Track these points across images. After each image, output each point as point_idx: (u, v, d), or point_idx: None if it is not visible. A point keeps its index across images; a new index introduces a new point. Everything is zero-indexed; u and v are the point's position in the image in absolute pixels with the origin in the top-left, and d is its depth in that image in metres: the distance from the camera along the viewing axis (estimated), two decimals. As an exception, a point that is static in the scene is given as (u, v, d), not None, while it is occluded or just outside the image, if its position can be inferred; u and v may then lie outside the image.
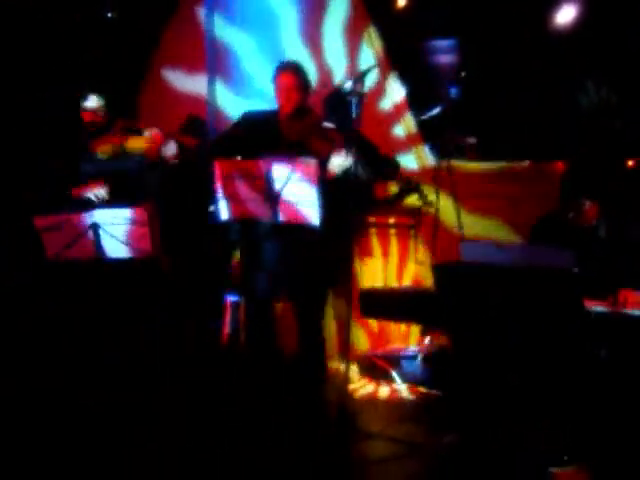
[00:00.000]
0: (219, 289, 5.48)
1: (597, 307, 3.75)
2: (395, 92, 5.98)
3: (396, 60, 6.05)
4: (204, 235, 5.50)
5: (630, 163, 5.80)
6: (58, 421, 4.21)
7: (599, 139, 5.75)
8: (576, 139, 5.76)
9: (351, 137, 4.44)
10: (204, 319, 5.45)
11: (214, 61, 6.16)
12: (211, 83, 6.16)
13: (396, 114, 5.99)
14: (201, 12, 6.19)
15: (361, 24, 6.03)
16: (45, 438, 4.03)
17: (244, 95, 5.94)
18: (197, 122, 5.71)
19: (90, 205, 4.51)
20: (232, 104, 6.08)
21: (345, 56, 6.05)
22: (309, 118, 4.61)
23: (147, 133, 4.68)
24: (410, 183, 5.35)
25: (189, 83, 6.20)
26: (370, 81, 5.53)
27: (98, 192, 4.61)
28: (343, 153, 4.34)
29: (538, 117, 5.88)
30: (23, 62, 5.42)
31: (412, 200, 5.49)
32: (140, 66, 5.92)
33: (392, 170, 5.38)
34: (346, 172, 4.31)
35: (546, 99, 5.91)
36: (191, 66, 6.19)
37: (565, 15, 5.80)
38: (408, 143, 5.97)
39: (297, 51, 6.03)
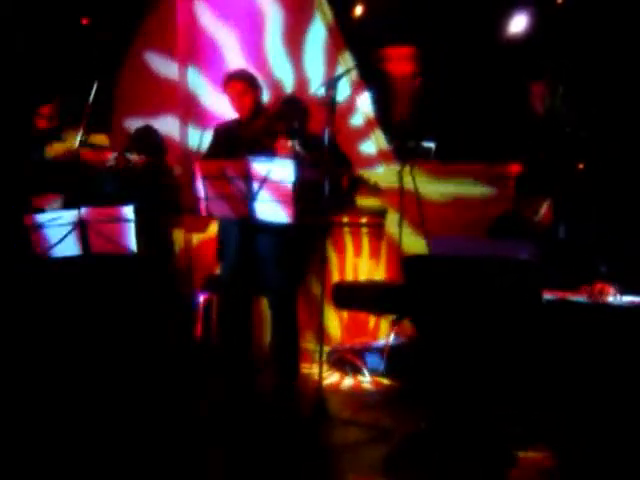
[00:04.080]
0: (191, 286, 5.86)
1: (573, 297, 4.08)
2: (366, 107, 6.34)
3: (368, 79, 6.38)
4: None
5: (580, 166, 6.22)
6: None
7: (552, 143, 6.16)
8: (530, 142, 6.15)
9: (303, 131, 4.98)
10: (177, 317, 5.81)
11: (189, 47, 6.57)
12: (183, 67, 6.57)
13: (366, 130, 6.37)
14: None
15: (338, 47, 6.40)
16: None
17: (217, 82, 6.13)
18: (145, 135, 6.06)
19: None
20: (207, 91, 6.53)
21: (323, 69, 6.38)
22: (262, 117, 5.13)
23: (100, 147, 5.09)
24: (355, 176, 5.83)
25: (168, 68, 6.63)
26: (343, 95, 5.88)
27: (54, 204, 5.01)
28: (284, 142, 4.84)
29: (494, 121, 6.30)
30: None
31: (365, 193, 6.02)
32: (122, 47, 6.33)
33: (345, 165, 5.82)
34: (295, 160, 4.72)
35: (501, 104, 6.31)
36: (171, 51, 6.62)
37: (517, 23, 6.24)
38: (379, 159, 6.33)
39: (278, 54, 6.44)
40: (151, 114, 6.46)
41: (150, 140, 5.89)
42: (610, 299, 4.10)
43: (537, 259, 3.91)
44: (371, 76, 6.44)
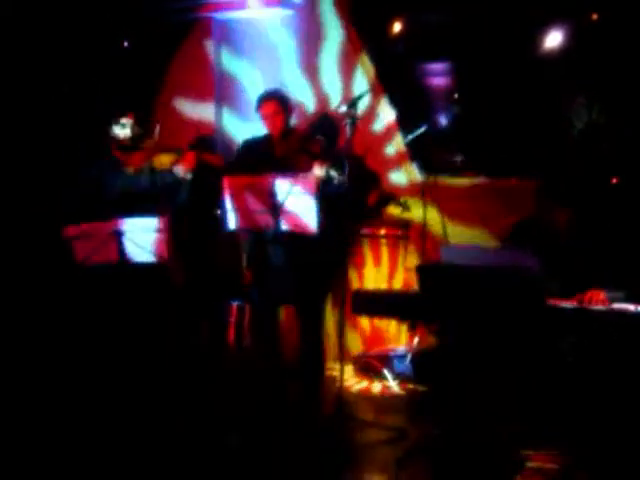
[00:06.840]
0: (226, 295, 6.27)
1: (564, 304, 4.34)
2: (387, 114, 6.66)
3: (387, 83, 6.69)
4: (213, 244, 6.32)
5: (614, 181, 6.42)
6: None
7: (584, 157, 6.38)
8: (562, 157, 6.38)
9: (335, 152, 5.27)
10: (211, 324, 6.22)
11: (221, 90, 7.04)
12: (218, 110, 7.03)
13: (387, 134, 6.68)
14: (209, 44, 7.05)
15: (355, 52, 6.71)
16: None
17: (248, 120, 6.53)
18: (206, 141, 6.54)
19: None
20: (238, 129, 6.91)
21: (340, 83, 6.74)
22: (294, 137, 5.46)
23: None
24: (387, 194, 6.22)
25: (198, 110, 7.11)
26: (363, 105, 6.08)
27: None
28: (320, 165, 5.14)
29: (525, 135, 6.56)
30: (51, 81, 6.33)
31: (392, 210, 6.37)
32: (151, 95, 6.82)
33: (372, 181, 6.20)
34: (325, 181, 5.08)
35: (533, 119, 6.56)
36: (200, 94, 7.09)
37: (552, 39, 6.49)
38: (398, 160, 6.65)
39: (296, 80, 6.82)
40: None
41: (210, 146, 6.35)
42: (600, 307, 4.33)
43: (541, 269, 4.17)
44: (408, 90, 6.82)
